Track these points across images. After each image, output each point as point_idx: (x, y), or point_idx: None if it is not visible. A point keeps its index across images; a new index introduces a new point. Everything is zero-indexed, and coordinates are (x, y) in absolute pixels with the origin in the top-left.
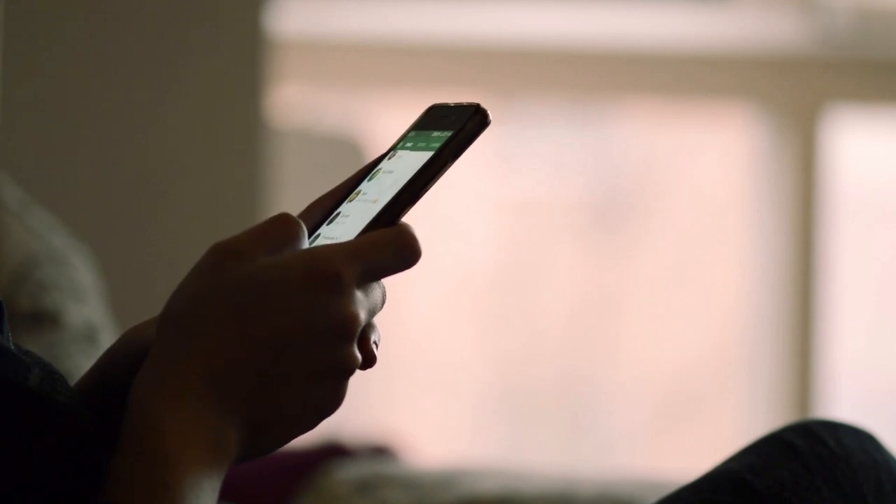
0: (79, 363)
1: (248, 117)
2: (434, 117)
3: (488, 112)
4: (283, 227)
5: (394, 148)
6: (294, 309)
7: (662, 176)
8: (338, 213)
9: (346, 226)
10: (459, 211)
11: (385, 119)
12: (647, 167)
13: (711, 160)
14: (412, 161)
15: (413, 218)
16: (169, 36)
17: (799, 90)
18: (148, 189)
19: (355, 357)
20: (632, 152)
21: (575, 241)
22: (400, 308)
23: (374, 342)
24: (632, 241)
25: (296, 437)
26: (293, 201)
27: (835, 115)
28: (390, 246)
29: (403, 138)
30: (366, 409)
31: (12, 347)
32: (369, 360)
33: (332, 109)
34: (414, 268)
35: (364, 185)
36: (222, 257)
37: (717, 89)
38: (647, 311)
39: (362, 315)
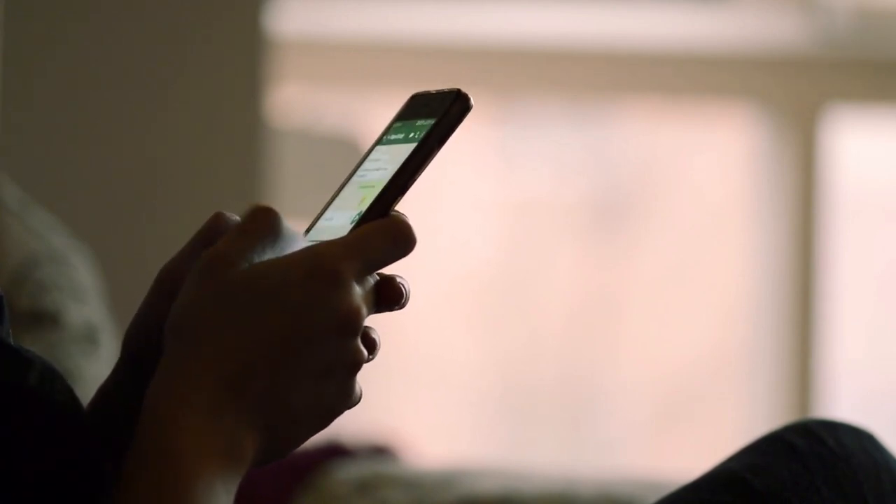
0: (79, 363)
1: (248, 117)
2: (417, 106)
3: (469, 97)
4: (260, 216)
5: (380, 139)
6: (297, 308)
7: (662, 176)
8: (329, 208)
9: (337, 220)
10: (459, 211)
11: (385, 119)
12: (648, 167)
13: (711, 160)
14: (399, 151)
15: (413, 218)
16: (169, 36)
17: (799, 90)
18: (148, 189)
19: (361, 351)
20: (632, 152)
21: (575, 241)
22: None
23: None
24: (632, 241)
25: (311, 436)
26: (293, 201)
27: (835, 115)
28: (384, 236)
29: (389, 129)
30: (366, 409)
31: (12, 344)
32: (372, 350)
33: (332, 109)
34: (413, 267)
35: (354, 178)
36: (215, 263)
37: (717, 89)
38: (647, 311)
39: (364, 309)
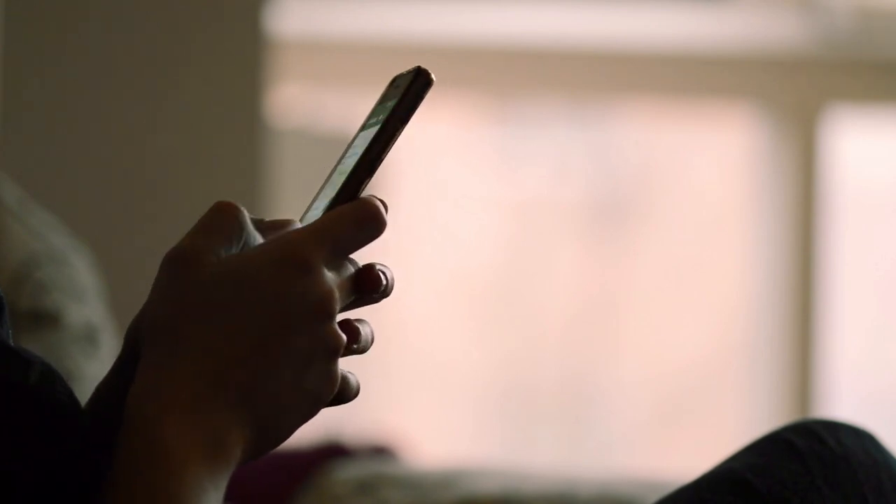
0: (79, 363)
1: (248, 117)
2: (391, 88)
3: (430, 72)
4: (222, 213)
5: (363, 124)
6: (269, 298)
7: (662, 176)
8: (318, 196)
9: (314, 209)
10: (460, 211)
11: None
12: (648, 167)
13: (711, 160)
14: (367, 134)
15: (413, 218)
16: (169, 36)
17: (799, 90)
18: (148, 189)
19: (338, 335)
20: (632, 152)
21: (575, 241)
22: (400, 308)
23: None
24: (632, 241)
25: (297, 427)
26: (293, 201)
27: (835, 115)
28: (351, 219)
29: (370, 114)
30: (366, 409)
31: (12, 344)
32: (356, 338)
33: (332, 109)
34: (414, 267)
35: (339, 165)
36: (181, 261)
37: (717, 89)
38: (647, 311)
39: (337, 292)
